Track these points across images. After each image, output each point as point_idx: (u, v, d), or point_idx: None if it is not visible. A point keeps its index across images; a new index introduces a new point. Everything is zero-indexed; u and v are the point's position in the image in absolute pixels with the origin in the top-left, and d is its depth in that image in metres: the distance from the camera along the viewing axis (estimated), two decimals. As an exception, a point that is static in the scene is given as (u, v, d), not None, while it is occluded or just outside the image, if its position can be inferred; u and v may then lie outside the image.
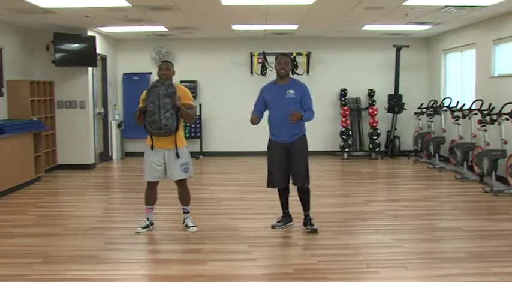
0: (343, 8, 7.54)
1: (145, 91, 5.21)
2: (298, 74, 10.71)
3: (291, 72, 5.45)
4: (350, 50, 11.28)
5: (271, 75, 10.94)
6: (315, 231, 5.23)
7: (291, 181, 5.38)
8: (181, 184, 5.35)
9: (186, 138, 5.57)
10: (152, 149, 5.17)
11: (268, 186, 5.46)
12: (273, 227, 5.46)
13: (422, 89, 11.37)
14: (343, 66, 11.27)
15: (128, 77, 11.25)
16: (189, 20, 8.55)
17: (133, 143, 10.98)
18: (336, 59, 11.26)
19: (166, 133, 5.06)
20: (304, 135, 5.31)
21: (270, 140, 5.36)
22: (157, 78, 5.31)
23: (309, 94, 5.29)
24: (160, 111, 4.99)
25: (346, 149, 10.93)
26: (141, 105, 5.17)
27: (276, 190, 5.48)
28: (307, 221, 5.35)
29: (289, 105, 5.12)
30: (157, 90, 5.02)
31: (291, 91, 5.19)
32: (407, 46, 10.74)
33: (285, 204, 5.50)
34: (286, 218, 5.54)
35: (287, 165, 5.27)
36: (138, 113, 5.10)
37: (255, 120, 5.30)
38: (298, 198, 5.39)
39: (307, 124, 5.34)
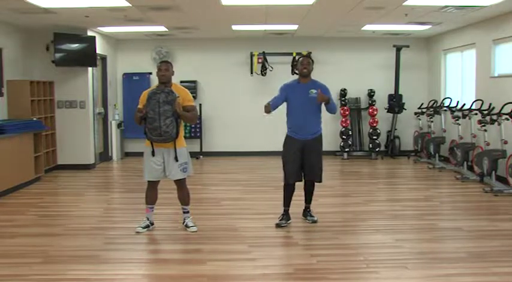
0: (343, 8, 7.54)
1: (145, 92, 5.22)
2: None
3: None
4: (350, 50, 11.28)
5: (271, 75, 10.96)
6: (314, 222, 5.30)
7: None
8: (181, 184, 5.34)
9: (185, 138, 5.56)
10: (153, 155, 5.17)
11: (286, 184, 5.49)
12: (277, 225, 5.46)
13: (422, 89, 11.36)
14: (343, 66, 11.26)
15: (128, 77, 11.25)
16: (189, 20, 8.55)
17: (133, 143, 10.97)
18: (336, 59, 11.25)
19: (167, 140, 5.08)
20: (321, 134, 5.50)
21: (288, 136, 5.49)
22: (157, 79, 5.28)
23: (330, 92, 5.50)
24: (160, 118, 5.00)
25: (346, 149, 10.92)
26: (140, 105, 5.17)
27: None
28: (307, 213, 5.53)
29: (312, 104, 5.33)
30: (158, 97, 5.02)
31: (314, 90, 5.38)
32: (407, 46, 10.74)
33: (288, 201, 5.54)
34: (287, 215, 5.56)
35: (301, 161, 5.40)
36: (138, 115, 5.10)
37: (269, 107, 5.35)
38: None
39: None
